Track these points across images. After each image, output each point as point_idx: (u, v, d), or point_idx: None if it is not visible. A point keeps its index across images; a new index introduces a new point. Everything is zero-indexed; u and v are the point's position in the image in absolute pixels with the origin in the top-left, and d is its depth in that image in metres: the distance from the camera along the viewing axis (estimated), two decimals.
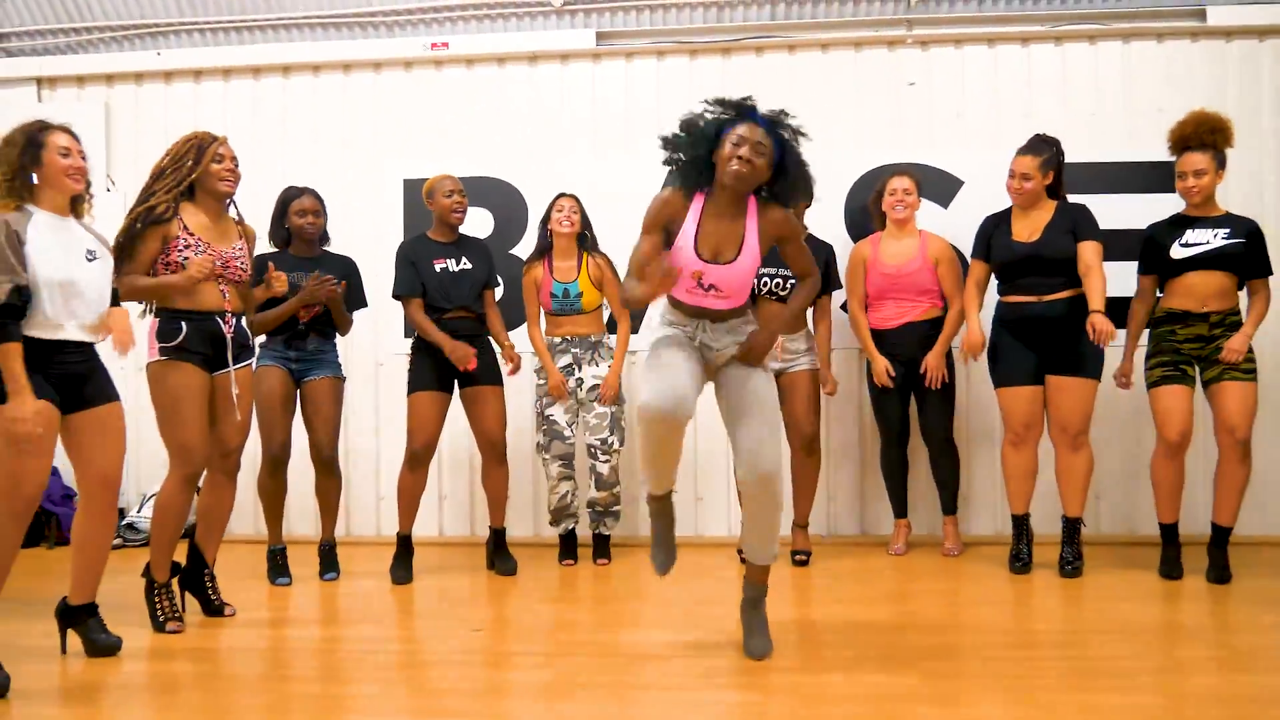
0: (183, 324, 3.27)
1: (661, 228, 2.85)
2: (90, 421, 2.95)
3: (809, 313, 4.40)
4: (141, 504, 5.06)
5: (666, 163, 2.88)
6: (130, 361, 4.97)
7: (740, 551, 4.42)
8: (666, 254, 2.72)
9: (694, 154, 2.79)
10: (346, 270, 4.27)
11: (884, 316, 4.43)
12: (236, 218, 3.50)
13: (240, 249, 3.44)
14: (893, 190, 4.39)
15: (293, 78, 5.24)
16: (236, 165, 3.44)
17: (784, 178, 2.79)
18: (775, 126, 2.76)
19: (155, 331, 3.29)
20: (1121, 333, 4.11)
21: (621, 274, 4.67)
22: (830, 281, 4.40)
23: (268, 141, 5.16)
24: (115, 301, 3.13)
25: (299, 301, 4.01)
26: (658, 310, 3.05)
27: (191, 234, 3.29)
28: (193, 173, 3.33)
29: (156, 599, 3.32)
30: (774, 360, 4.26)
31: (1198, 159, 3.89)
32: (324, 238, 4.31)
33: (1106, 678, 2.76)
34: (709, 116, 2.79)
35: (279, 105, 5.24)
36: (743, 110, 2.77)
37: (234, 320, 3.41)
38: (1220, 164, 3.93)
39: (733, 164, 2.70)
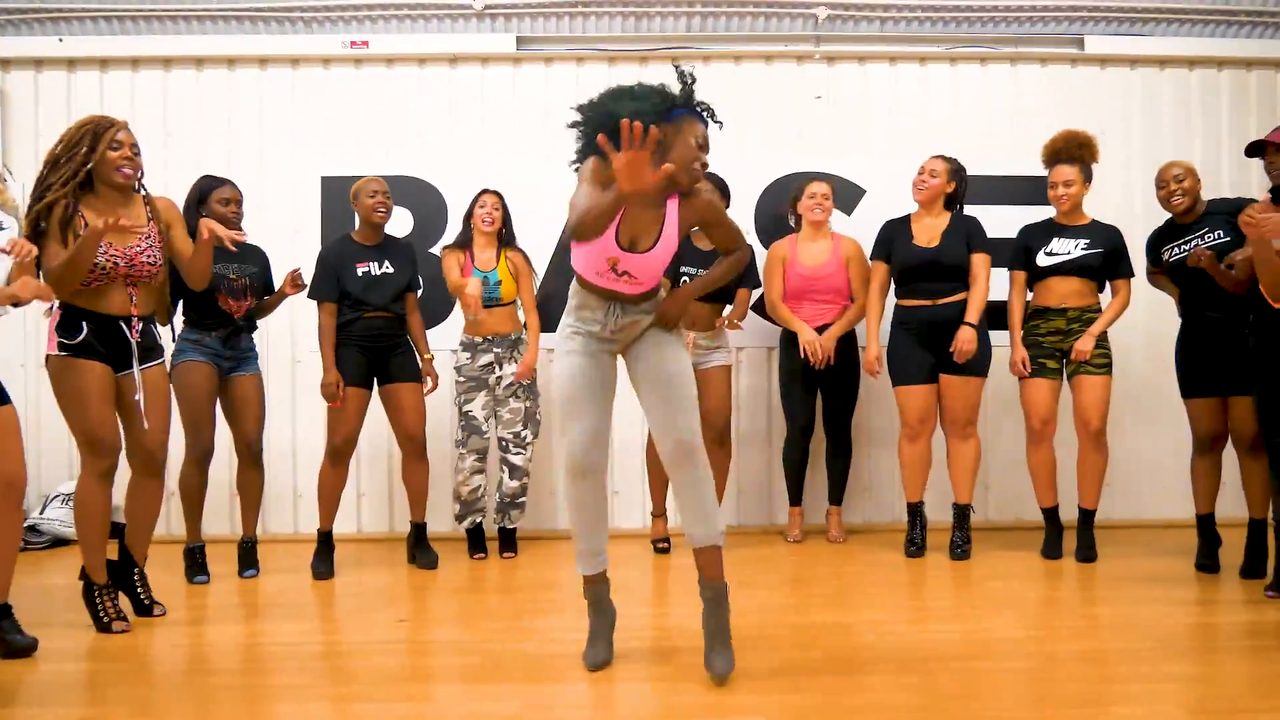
0: (83, 323, 3.17)
1: (602, 184, 2.59)
2: None
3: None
4: (44, 505, 4.94)
5: (583, 142, 2.67)
6: (32, 359, 4.95)
7: (656, 544, 4.63)
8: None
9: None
10: (262, 261, 4.27)
11: (806, 316, 4.65)
12: (145, 196, 3.34)
13: (148, 239, 3.26)
14: (811, 194, 4.63)
15: (206, 71, 5.18)
16: (137, 153, 3.26)
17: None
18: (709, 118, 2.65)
19: (56, 324, 3.18)
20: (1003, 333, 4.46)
21: (539, 269, 4.83)
22: (750, 278, 4.61)
23: (178, 134, 5.11)
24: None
25: (278, 298, 4.21)
26: (565, 308, 2.91)
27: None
28: (88, 161, 3.16)
29: (98, 599, 3.26)
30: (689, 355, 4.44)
31: (1067, 171, 4.26)
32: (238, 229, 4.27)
33: (986, 646, 3.05)
34: (654, 102, 2.56)
35: (192, 98, 5.17)
36: (688, 104, 2.63)
37: (140, 324, 3.28)
38: (1087, 177, 4.30)
39: (695, 165, 2.61)
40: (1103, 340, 4.23)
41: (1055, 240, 4.28)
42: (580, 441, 2.76)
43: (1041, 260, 4.28)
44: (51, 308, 3.26)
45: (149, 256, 3.27)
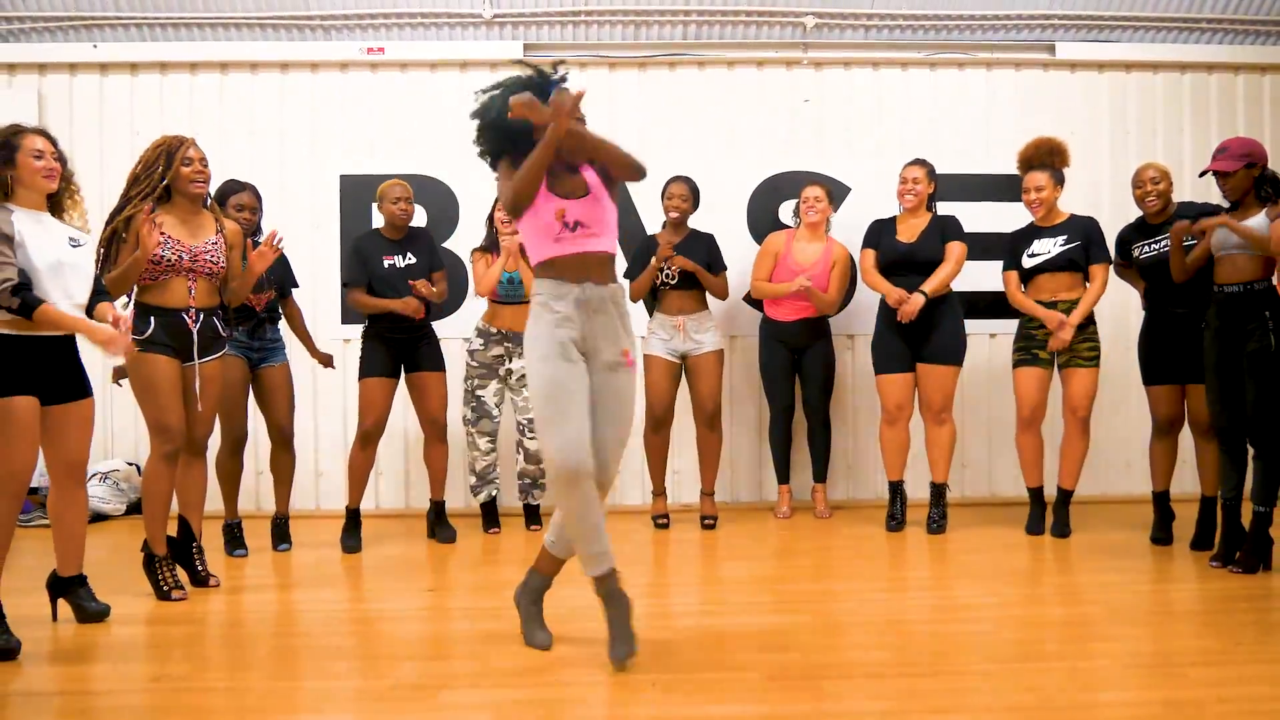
0: (151, 319, 3.56)
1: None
2: (68, 414, 3.19)
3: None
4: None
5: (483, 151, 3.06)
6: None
7: (656, 520, 4.99)
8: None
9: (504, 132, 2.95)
10: (280, 258, 4.47)
11: (783, 311, 5.01)
12: (215, 214, 3.74)
13: (214, 243, 3.66)
14: (806, 198, 4.96)
15: (230, 75, 5.48)
16: (206, 165, 3.65)
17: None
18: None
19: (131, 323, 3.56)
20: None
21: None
22: (716, 265, 4.93)
23: (205, 135, 5.23)
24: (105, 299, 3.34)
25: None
26: (532, 303, 2.97)
27: (162, 232, 3.52)
28: (164, 178, 3.57)
29: (159, 570, 3.63)
30: (682, 342, 4.82)
31: (1039, 177, 4.58)
32: (256, 230, 4.51)
33: (954, 611, 3.43)
34: (529, 82, 2.94)
35: (217, 101, 5.48)
36: (543, 84, 2.93)
37: (199, 315, 3.63)
38: (1058, 181, 4.62)
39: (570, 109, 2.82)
40: (1093, 335, 4.53)
41: (1036, 241, 4.61)
42: (568, 447, 2.75)
43: (1026, 262, 4.60)
44: (127, 303, 3.63)
45: (212, 256, 3.66)
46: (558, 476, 2.78)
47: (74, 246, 3.21)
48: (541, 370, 2.85)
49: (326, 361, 4.71)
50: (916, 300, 4.58)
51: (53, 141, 3.21)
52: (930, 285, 4.60)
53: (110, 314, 3.19)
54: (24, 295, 2.97)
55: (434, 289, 4.59)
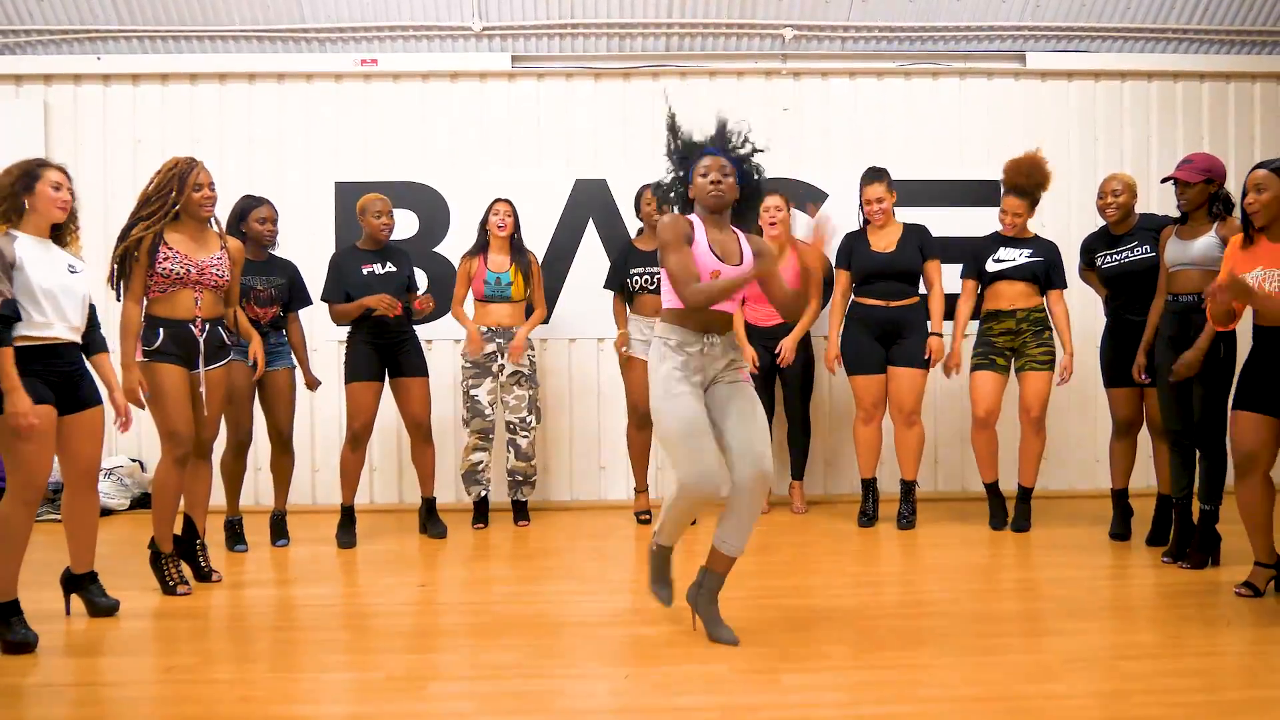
0: (160, 330, 3.77)
1: (683, 239, 3.16)
2: (80, 423, 3.40)
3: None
4: None
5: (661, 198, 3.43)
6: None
7: (639, 516, 5.20)
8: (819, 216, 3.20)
9: (677, 189, 3.33)
10: (290, 273, 4.79)
11: (760, 316, 5.22)
12: (219, 232, 3.95)
13: (219, 258, 3.87)
14: (766, 208, 5.13)
15: (229, 85, 5.67)
16: (213, 189, 3.87)
17: (746, 195, 3.35)
18: (730, 153, 3.26)
19: (141, 336, 3.78)
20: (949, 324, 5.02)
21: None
22: None
23: (204, 143, 5.57)
24: (103, 348, 3.59)
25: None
26: (655, 341, 3.25)
27: (171, 248, 3.74)
28: (176, 203, 3.78)
29: (165, 566, 3.86)
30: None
31: (1016, 203, 4.81)
32: (273, 244, 4.77)
33: (921, 605, 3.64)
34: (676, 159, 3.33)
35: (215, 110, 5.67)
36: (703, 147, 3.28)
37: (205, 325, 3.84)
38: (1033, 204, 4.84)
39: (709, 190, 3.18)
40: (1048, 340, 4.77)
41: (1002, 249, 4.82)
42: (704, 476, 3.08)
43: (990, 266, 4.81)
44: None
45: (217, 270, 3.86)
46: (682, 492, 3.13)
47: (72, 273, 3.41)
48: (673, 409, 3.11)
49: (313, 385, 4.88)
50: (939, 345, 4.91)
51: (69, 178, 3.44)
52: (939, 323, 4.91)
53: (119, 402, 3.57)
54: (1, 331, 3.12)
55: (426, 303, 4.79)
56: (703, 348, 3.18)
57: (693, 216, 3.24)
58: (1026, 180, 4.80)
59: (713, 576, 3.29)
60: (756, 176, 3.35)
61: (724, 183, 3.21)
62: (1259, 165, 3.61)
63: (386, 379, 4.84)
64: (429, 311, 4.87)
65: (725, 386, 3.22)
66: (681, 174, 3.33)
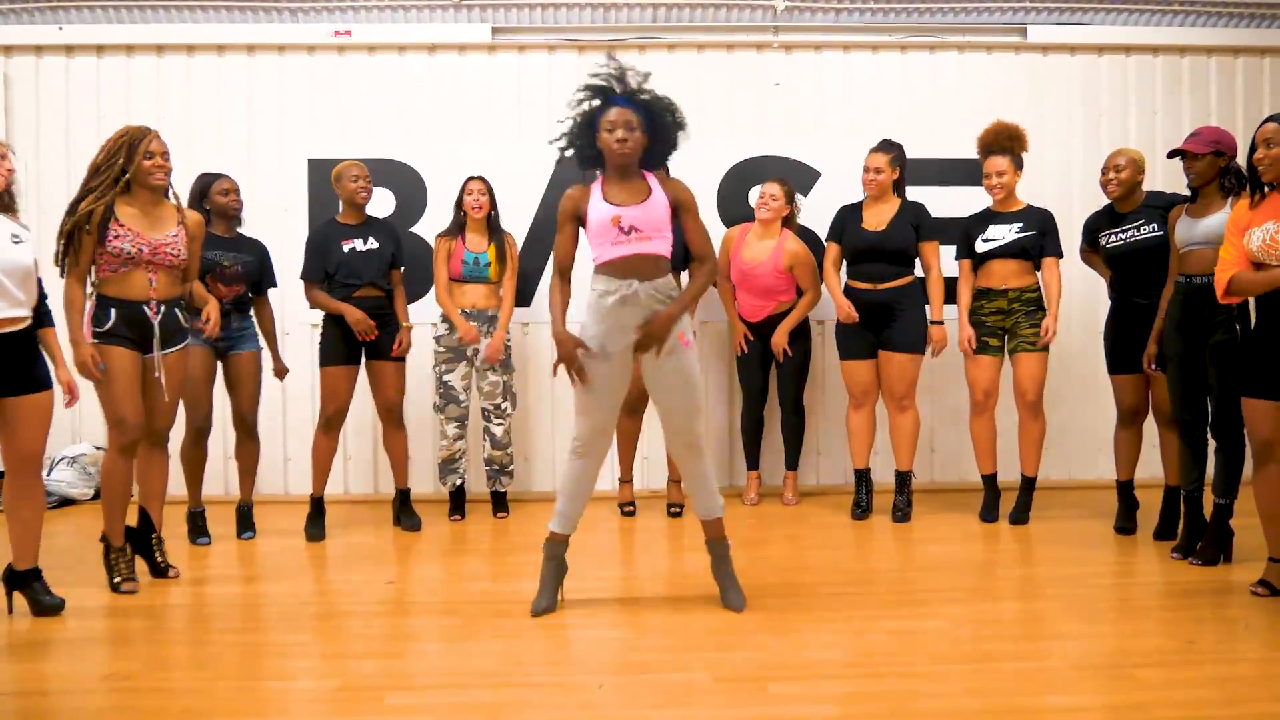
0: (112, 311, 3.54)
1: (573, 218, 3.22)
2: (24, 406, 3.23)
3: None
4: (50, 468, 5.23)
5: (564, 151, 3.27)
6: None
7: (623, 507, 5.00)
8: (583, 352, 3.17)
9: (581, 145, 3.20)
10: (260, 253, 4.58)
11: (747, 309, 5.02)
12: (176, 204, 3.70)
13: (174, 235, 3.61)
14: (762, 194, 4.93)
15: (197, 57, 5.41)
16: (167, 158, 3.59)
17: (657, 142, 3.20)
18: (635, 100, 3.15)
19: (90, 316, 3.54)
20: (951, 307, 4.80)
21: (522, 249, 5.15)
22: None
23: (172, 118, 5.31)
24: (50, 322, 3.41)
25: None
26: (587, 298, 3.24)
27: (122, 225, 3.50)
28: (125, 171, 3.53)
29: (113, 561, 3.64)
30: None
31: (999, 162, 4.57)
32: (239, 220, 4.56)
33: (915, 607, 3.43)
34: (579, 107, 3.21)
35: (182, 83, 5.41)
36: (606, 94, 3.17)
37: (160, 307, 3.61)
38: (1018, 165, 4.60)
39: (614, 146, 3.09)
40: (1039, 321, 4.54)
41: (991, 227, 4.60)
42: (585, 434, 3.28)
43: (980, 246, 4.60)
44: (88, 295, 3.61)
45: (172, 249, 3.62)
46: (572, 449, 3.31)
47: (15, 243, 3.22)
48: (585, 363, 3.19)
49: (281, 373, 4.68)
50: (941, 334, 4.73)
51: (12, 152, 3.31)
52: (938, 311, 4.71)
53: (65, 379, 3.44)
54: None
55: (405, 343, 4.62)
56: (622, 293, 3.14)
57: (598, 181, 3.23)
58: (997, 137, 4.60)
59: (710, 544, 3.42)
60: (670, 117, 3.20)
61: (629, 139, 3.11)
62: (1269, 118, 3.37)
63: (362, 363, 4.63)
64: (406, 351, 4.66)
65: (663, 357, 3.18)
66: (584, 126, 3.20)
